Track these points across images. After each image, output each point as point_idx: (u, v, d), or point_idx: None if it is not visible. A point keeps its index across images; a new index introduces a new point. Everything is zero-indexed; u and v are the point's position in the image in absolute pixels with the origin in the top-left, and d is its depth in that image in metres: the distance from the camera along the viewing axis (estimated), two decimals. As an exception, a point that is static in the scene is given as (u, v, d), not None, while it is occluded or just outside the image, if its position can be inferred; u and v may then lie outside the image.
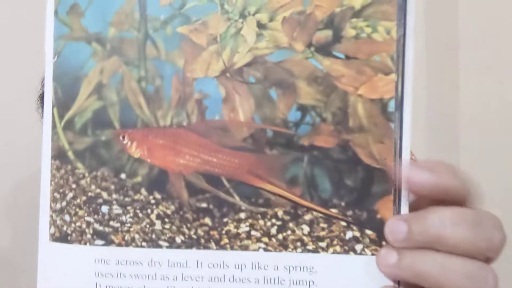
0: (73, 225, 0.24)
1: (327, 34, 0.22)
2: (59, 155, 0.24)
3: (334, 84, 0.22)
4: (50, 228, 0.24)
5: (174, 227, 0.23)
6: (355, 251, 0.22)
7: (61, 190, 0.24)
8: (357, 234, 0.22)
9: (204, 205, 0.23)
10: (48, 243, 0.24)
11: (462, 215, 0.20)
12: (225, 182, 0.23)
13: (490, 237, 0.20)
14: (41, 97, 0.56)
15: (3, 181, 0.85)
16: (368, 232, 0.22)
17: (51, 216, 0.24)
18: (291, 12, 0.22)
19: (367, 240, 0.22)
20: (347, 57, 0.22)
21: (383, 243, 0.22)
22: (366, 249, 0.22)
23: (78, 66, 0.24)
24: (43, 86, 0.56)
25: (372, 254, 0.22)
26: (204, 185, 0.23)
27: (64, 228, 0.24)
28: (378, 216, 0.22)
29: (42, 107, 0.58)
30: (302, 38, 0.22)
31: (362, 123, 0.22)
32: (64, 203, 0.24)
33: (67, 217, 0.24)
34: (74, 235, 0.24)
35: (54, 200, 0.24)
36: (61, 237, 0.24)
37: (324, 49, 0.22)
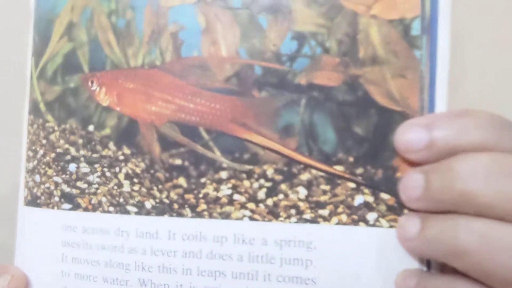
0: (42, 186, 0.20)
1: None
2: (33, 108, 0.21)
3: (340, 4, 0.16)
4: (24, 190, 0.20)
5: (143, 189, 0.18)
6: (366, 222, 0.16)
7: (33, 147, 0.21)
8: (370, 199, 0.16)
9: (178, 161, 0.18)
10: (22, 207, 0.21)
11: (501, 163, 0.14)
12: (204, 133, 0.18)
13: None
14: None
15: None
16: (385, 196, 0.16)
17: (25, 177, 0.20)
18: None
19: (383, 207, 0.16)
20: (357, -32, 0.16)
21: (405, 211, 0.15)
22: (381, 219, 0.16)
23: (51, 6, 0.20)
24: None
25: (390, 226, 0.16)
26: (179, 137, 0.18)
27: (35, 190, 0.20)
28: (398, 175, 0.16)
29: None
30: (298, -51, 0.17)
31: (376, 52, 0.16)
32: (35, 162, 0.20)
33: (37, 178, 0.20)
34: (43, 197, 0.20)
35: (28, 159, 0.21)
36: (32, 200, 0.20)
37: (327, -39, 0.16)
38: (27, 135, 0.22)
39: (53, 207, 0.21)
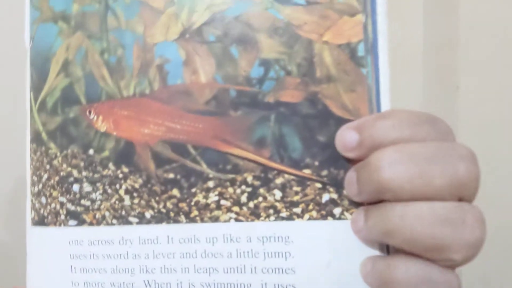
0: (48, 207, 0.22)
1: (286, -19, 0.19)
2: (35, 137, 0.23)
3: (297, 34, 0.19)
4: (31, 212, 0.22)
5: (143, 202, 0.21)
6: (333, 216, 0.18)
7: (38, 173, 0.23)
8: (335, 196, 0.19)
9: (171, 175, 0.20)
10: (30, 227, 0.23)
11: (402, 151, 0.17)
12: (191, 150, 0.20)
13: (452, 171, 0.17)
14: None
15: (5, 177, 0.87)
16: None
17: (31, 200, 0.22)
18: (247, -36, 0.19)
19: (346, 203, 0.19)
20: (308, 3, 0.19)
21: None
22: (345, 213, 0.18)
23: (48, 46, 0.23)
24: None
25: None
26: (170, 154, 0.20)
27: (41, 211, 0.22)
28: (356, 173, 0.18)
29: None
30: (260, -12, 0.19)
31: (330, 72, 0.19)
32: (40, 186, 0.22)
33: (43, 200, 0.22)
34: (50, 217, 0.22)
35: (32, 183, 0.23)
36: (39, 220, 0.22)
37: (284, -2, 0.19)
38: (30, 162, 0.24)
39: (59, 225, 0.23)
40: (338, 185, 0.19)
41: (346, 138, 0.18)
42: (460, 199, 0.17)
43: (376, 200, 0.18)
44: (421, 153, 0.17)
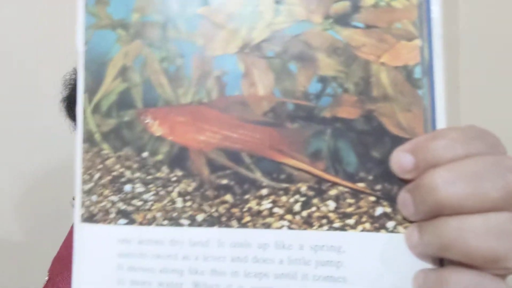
0: (99, 205, 0.22)
1: (344, 5, 0.20)
2: (88, 138, 0.23)
3: (355, 54, 0.19)
4: (81, 209, 0.22)
5: (195, 205, 0.21)
6: (386, 229, 0.19)
7: (89, 172, 0.22)
8: (388, 210, 0.19)
9: (225, 181, 0.20)
10: (79, 224, 0.23)
11: (453, 169, 0.17)
12: (246, 158, 0.20)
13: (503, 184, 0.17)
14: (65, 99, 0.57)
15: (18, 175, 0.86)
16: (399, 206, 0.19)
17: (82, 197, 0.22)
18: (309, -14, 0.20)
19: (399, 217, 0.19)
20: (367, 26, 0.20)
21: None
22: (399, 227, 0.19)
23: (104, 52, 0.23)
24: (67, 88, 0.56)
25: None
26: (225, 161, 0.20)
27: (91, 208, 0.22)
28: (409, 188, 0.18)
29: (67, 107, 0.58)
30: (319, 10, 0.20)
31: (386, 91, 0.19)
32: (92, 184, 0.22)
33: (94, 198, 0.22)
34: (100, 214, 0.22)
35: (84, 181, 0.22)
36: (89, 217, 0.22)
37: (343, 20, 0.20)
38: (81, 161, 0.24)
39: (109, 223, 0.23)
40: (392, 200, 0.20)
41: (403, 161, 0.19)
42: None
43: (430, 217, 0.18)
44: (472, 170, 0.17)
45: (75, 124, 0.57)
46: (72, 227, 0.59)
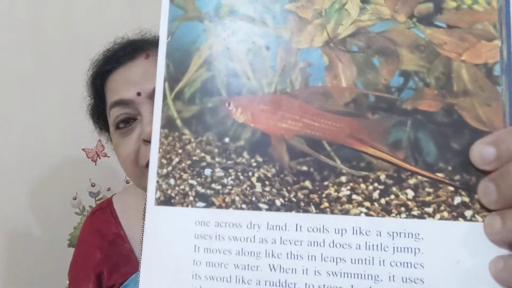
0: (177, 188, 0.26)
1: (428, 6, 0.25)
2: (168, 123, 0.27)
3: (437, 51, 0.24)
4: (156, 192, 0.27)
5: (274, 190, 0.25)
6: (464, 218, 0.23)
7: (168, 156, 0.27)
8: (466, 199, 0.23)
9: (304, 168, 0.25)
10: (153, 207, 0.27)
11: None
12: (326, 146, 0.25)
13: None
14: (91, 108, 0.64)
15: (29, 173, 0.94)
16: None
17: (158, 181, 0.27)
18: (393, -12, 0.25)
19: (477, 206, 0.23)
20: (449, 26, 0.24)
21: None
22: (476, 215, 0.22)
23: (190, 42, 0.28)
24: (94, 67, 0.63)
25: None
26: (305, 148, 0.25)
27: (169, 191, 0.27)
28: (488, 178, 0.22)
29: (92, 115, 0.66)
30: (404, 10, 0.25)
31: (467, 87, 0.23)
32: (170, 168, 0.27)
33: (172, 181, 0.27)
34: (177, 197, 0.26)
35: (160, 166, 0.27)
36: (166, 201, 0.27)
37: (426, 20, 0.24)
38: (159, 146, 0.29)
39: (187, 206, 0.27)
40: (471, 190, 0.24)
41: (484, 153, 0.23)
42: None
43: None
44: None
45: (99, 129, 0.64)
46: (83, 230, 0.64)
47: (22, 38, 0.97)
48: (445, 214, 0.24)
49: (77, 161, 1.02)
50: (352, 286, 0.24)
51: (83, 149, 1.02)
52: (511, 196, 0.22)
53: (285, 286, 0.25)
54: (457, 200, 0.24)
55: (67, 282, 0.63)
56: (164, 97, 0.29)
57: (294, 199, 0.26)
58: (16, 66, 0.97)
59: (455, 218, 0.24)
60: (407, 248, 0.24)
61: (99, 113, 0.63)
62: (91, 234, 0.63)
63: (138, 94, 0.52)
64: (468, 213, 0.24)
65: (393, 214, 0.24)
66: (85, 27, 0.99)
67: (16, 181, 0.96)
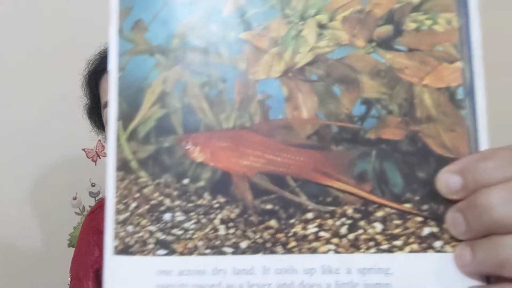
0: (135, 235, 0.28)
1: (387, 29, 0.27)
2: (123, 165, 0.29)
3: (398, 76, 0.26)
4: (114, 240, 0.28)
5: (238, 232, 0.27)
6: (434, 249, 0.24)
7: (124, 201, 0.28)
8: (435, 229, 0.25)
9: (269, 206, 0.26)
10: (111, 256, 0.28)
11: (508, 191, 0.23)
12: (291, 182, 0.26)
13: None
14: (87, 108, 0.69)
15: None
16: (447, 226, 0.24)
17: (115, 228, 0.28)
18: (351, 11, 0.27)
19: (446, 236, 0.25)
20: (409, 50, 0.26)
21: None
22: (446, 246, 0.24)
23: (142, 77, 0.29)
24: (90, 66, 0.67)
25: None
26: (269, 186, 0.26)
27: (127, 239, 0.28)
28: (456, 207, 0.24)
29: (89, 115, 0.69)
30: (362, 34, 0.27)
31: (430, 112, 0.25)
32: (127, 214, 0.28)
33: (130, 228, 0.28)
34: (136, 246, 0.28)
35: (117, 211, 0.28)
36: (124, 249, 0.28)
37: (386, 43, 0.26)
38: (115, 190, 0.30)
39: (147, 254, 0.28)
40: (439, 219, 0.26)
41: (450, 182, 0.25)
42: None
43: (482, 236, 0.24)
44: None
45: (97, 128, 0.69)
46: (82, 228, 0.70)
47: (22, 38, 1.01)
48: (415, 246, 0.26)
49: (77, 161, 1.11)
50: None
51: (83, 149, 1.11)
52: (481, 228, 0.24)
53: None
54: (426, 231, 0.26)
55: (69, 279, 0.68)
56: (118, 137, 0.30)
57: (260, 240, 0.27)
58: (15, 66, 1.01)
59: (424, 250, 0.26)
60: (378, 285, 0.26)
61: (95, 113, 0.67)
62: (90, 232, 0.69)
63: None
64: (438, 244, 0.25)
65: (362, 250, 0.26)
66: (86, 26, 1.05)
67: (16, 181, 1.02)
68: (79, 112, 0.75)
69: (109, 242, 0.30)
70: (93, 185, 1.11)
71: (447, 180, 0.25)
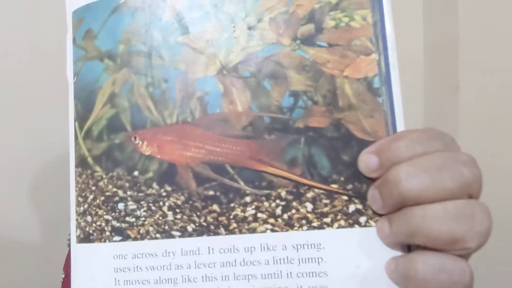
0: (94, 225, 0.25)
1: (309, 27, 0.24)
2: (80, 162, 0.26)
3: (321, 70, 0.24)
4: (76, 230, 0.25)
5: (185, 217, 0.24)
6: (359, 224, 0.22)
7: (83, 194, 0.26)
8: (360, 206, 0.23)
9: (211, 193, 0.24)
10: (75, 245, 0.26)
11: (414, 164, 0.21)
12: (230, 169, 0.24)
13: (458, 175, 0.21)
14: None
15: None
16: (369, 202, 0.22)
17: (77, 219, 0.25)
18: (276, 13, 0.24)
19: (370, 212, 0.23)
20: (330, 45, 0.24)
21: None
22: (370, 221, 0.22)
23: (93, 81, 0.26)
24: None
25: None
26: (210, 174, 0.24)
27: (87, 228, 0.25)
28: (376, 185, 0.22)
29: None
30: (288, 33, 0.24)
31: (351, 101, 0.23)
32: (86, 205, 0.25)
33: (89, 218, 0.25)
34: (95, 234, 0.25)
35: (78, 204, 0.26)
36: (85, 238, 0.25)
37: (309, 41, 0.24)
38: (75, 185, 0.27)
39: (105, 241, 0.26)
40: (362, 197, 0.23)
41: (369, 162, 0.23)
42: (469, 197, 0.21)
43: (397, 209, 0.22)
44: (431, 164, 0.21)
45: None
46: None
47: (22, 38, 0.90)
48: (342, 222, 0.24)
49: None
50: None
51: None
52: (394, 201, 0.22)
53: None
54: (352, 208, 0.24)
55: (62, 276, 0.61)
56: (76, 137, 0.28)
57: (204, 224, 0.25)
58: (15, 65, 0.90)
59: (351, 226, 0.23)
60: (311, 259, 0.23)
61: None
62: None
63: None
64: (363, 219, 0.23)
65: (296, 228, 0.24)
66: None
67: (15, 180, 0.91)
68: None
69: (73, 232, 0.27)
70: (93, 184, 1.01)
71: (366, 160, 0.23)
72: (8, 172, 0.91)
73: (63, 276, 0.62)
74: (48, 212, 0.95)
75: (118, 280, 0.25)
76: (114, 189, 0.27)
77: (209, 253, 0.25)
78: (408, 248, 0.23)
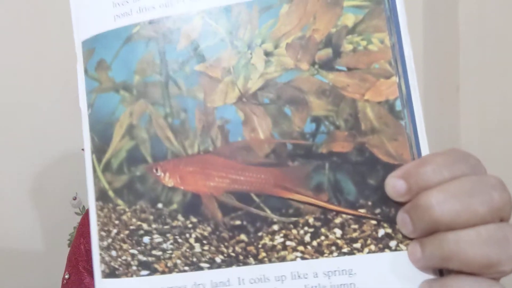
0: (119, 259, 0.21)
1: (327, 52, 0.20)
2: (101, 196, 0.22)
3: (342, 94, 0.20)
4: (100, 265, 0.21)
5: (212, 248, 0.20)
6: (390, 248, 0.19)
7: (106, 228, 0.22)
8: (389, 230, 0.19)
9: (238, 222, 0.20)
10: (100, 281, 0.21)
11: (447, 191, 0.19)
12: (255, 198, 0.20)
13: (488, 200, 0.18)
14: None
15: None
16: (399, 226, 0.19)
17: (100, 254, 0.21)
18: (293, 38, 0.21)
19: (399, 236, 0.19)
20: (349, 69, 0.20)
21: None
22: (400, 245, 0.19)
23: (109, 113, 0.22)
24: None
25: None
26: (235, 203, 0.20)
27: (112, 263, 0.21)
28: (405, 209, 0.19)
29: None
30: (305, 58, 0.20)
31: (373, 125, 0.20)
32: (110, 240, 0.21)
33: (113, 253, 0.21)
34: (121, 269, 0.21)
35: (101, 238, 0.22)
36: (111, 273, 0.21)
37: (327, 65, 0.20)
38: (96, 219, 0.23)
39: (131, 276, 0.22)
40: (391, 221, 0.20)
41: (396, 187, 0.19)
42: (500, 221, 0.18)
43: (428, 233, 0.19)
44: (461, 189, 0.18)
45: None
46: (82, 219, 0.56)
47: (21, 37, 0.81)
48: (372, 247, 0.20)
49: (77, 161, 0.86)
50: None
51: (83, 149, 0.87)
52: (425, 226, 0.19)
53: None
54: (381, 232, 0.20)
55: (67, 276, 0.54)
56: (94, 169, 0.23)
57: (233, 254, 0.21)
58: (15, 65, 0.80)
59: (381, 250, 0.20)
60: (343, 285, 0.20)
61: None
62: (77, 235, 0.56)
63: None
64: (393, 243, 0.20)
65: (326, 254, 0.20)
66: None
67: (16, 180, 0.82)
68: (80, 111, 0.58)
69: (97, 267, 0.23)
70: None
71: (394, 185, 0.20)
72: (9, 173, 0.81)
73: (67, 276, 0.55)
74: (48, 214, 0.86)
75: None
76: (139, 223, 0.23)
77: (239, 283, 0.21)
78: (440, 271, 0.20)
